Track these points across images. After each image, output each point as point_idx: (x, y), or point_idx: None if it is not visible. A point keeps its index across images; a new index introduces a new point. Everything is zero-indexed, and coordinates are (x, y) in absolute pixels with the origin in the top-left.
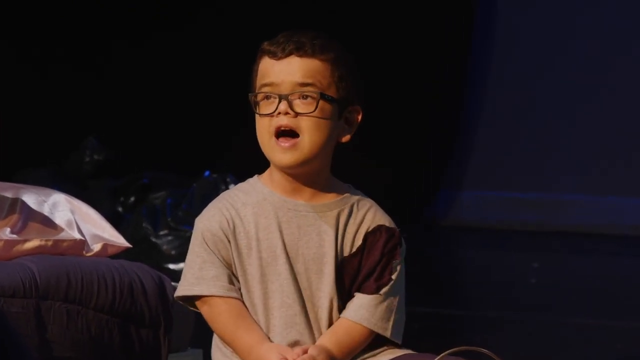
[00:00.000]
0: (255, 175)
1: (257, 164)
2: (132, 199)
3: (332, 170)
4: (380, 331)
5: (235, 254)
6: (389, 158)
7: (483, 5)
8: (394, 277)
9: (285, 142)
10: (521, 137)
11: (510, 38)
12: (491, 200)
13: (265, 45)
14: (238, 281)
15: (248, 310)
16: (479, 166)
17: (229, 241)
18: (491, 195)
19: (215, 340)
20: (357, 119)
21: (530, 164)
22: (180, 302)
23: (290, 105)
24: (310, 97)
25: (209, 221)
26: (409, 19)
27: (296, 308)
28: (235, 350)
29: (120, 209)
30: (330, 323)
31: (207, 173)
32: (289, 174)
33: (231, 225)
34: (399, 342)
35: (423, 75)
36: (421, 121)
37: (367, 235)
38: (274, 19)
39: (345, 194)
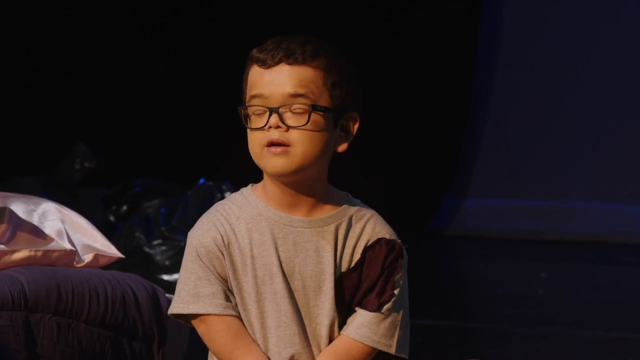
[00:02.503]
0: (250, 185)
1: (253, 171)
2: (124, 207)
3: (332, 179)
4: (384, 348)
5: (230, 271)
6: (391, 165)
7: (489, 10)
8: (396, 292)
9: (276, 149)
10: (529, 142)
11: (517, 44)
12: (497, 208)
13: (255, 52)
14: (234, 297)
15: (245, 328)
16: (485, 173)
17: (223, 257)
18: (497, 203)
19: (211, 358)
20: (354, 126)
21: (538, 171)
22: (174, 318)
23: (281, 119)
24: (302, 108)
25: (203, 236)
26: (415, 21)
27: (294, 327)
28: None
29: (112, 218)
30: (330, 339)
31: (202, 181)
32: (283, 184)
33: (226, 241)
34: (406, 356)
35: (427, 81)
36: (425, 127)
37: (367, 249)
38: (271, 25)
39: (343, 205)
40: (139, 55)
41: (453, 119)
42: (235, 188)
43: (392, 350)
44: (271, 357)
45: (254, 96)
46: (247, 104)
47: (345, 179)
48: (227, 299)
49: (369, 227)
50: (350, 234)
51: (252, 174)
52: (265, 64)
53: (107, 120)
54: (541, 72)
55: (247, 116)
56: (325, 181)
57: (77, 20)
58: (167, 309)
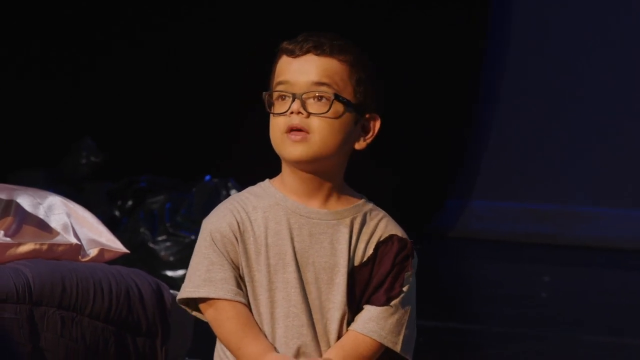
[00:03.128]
0: (267, 179)
1: (258, 168)
2: (130, 202)
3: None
4: (390, 345)
5: (243, 259)
6: (397, 165)
7: (498, 12)
8: (404, 289)
9: (295, 135)
10: (535, 145)
11: (524, 47)
12: (502, 210)
13: (284, 44)
14: (245, 286)
15: (254, 318)
16: (490, 175)
17: (238, 243)
18: (502, 206)
19: (218, 349)
20: (375, 127)
21: (544, 174)
22: (182, 306)
23: (304, 105)
24: (325, 98)
25: (219, 222)
26: (422, 24)
27: (303, 319)
28: (239, 358)
29: (117, 213)
30: (340, 335)
31: (207, 177)
32: (301, 175)
33: (241, 228)
34: (410, 358)
35: (434, 82)
36: (430, 127)
37: (379, 245)
38: (272, 24)
39: (359, 202)
40: (145, 51)
41: (458, 120)
42: (240, 185)
43: (398, 348)
44: (278, 348)
45: (280, 82)
46: (272, 90)
47: (350, 180)
48: (239, 286)
49: (382, 224)
50: (365, 229)
51: (256, 172)
52: (293, 54)
53: (113, 116)
54: (547, 75)
55: (271, 103)
56: (342, 177)
57: (83, 15)
58: (171, 304)
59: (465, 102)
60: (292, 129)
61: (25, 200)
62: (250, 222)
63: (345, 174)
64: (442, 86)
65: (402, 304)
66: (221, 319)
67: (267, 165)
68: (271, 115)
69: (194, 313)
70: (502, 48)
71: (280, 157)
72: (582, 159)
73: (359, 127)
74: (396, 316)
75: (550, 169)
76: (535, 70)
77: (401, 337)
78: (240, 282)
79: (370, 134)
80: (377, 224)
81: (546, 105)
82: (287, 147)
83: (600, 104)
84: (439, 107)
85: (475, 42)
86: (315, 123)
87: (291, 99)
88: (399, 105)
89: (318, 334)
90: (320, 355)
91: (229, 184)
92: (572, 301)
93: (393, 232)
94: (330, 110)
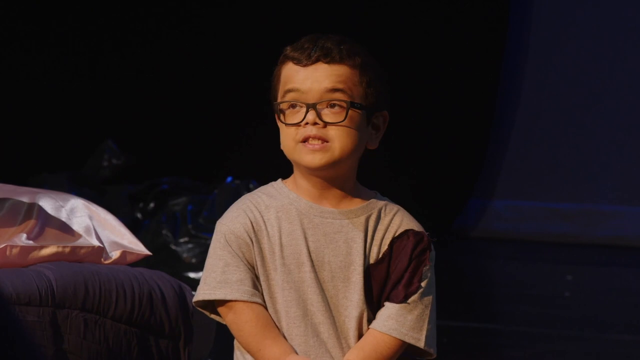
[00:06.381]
0: (279, 179)
1: (279, 169)
2: (151, 205)
3: (359, 179)
4: (412, 341)
5: (258, 258)
6: (418, 165)
7: (517, 10)
8: (423, 284)
9: (314, 144)
10: (556, 145)
11: (545, 45)
12: (524, 210)
13: (289, 51)
14: (261, 286)
15: (272, 319)
16: (512, 174)
17: (252, 244)
18: (525, 205)
19: (237, 351)
20: (384, 124)
21: (565, 173)
22: (198, 309)
23: (319, 115)
24: (339, 105)
25: (233, 223)
26: (442, 21)
27: (320, 317)
28: None
29: (139, 215)
30: (359, 333)
31: (229, 179)
32: (315, 177)
33: (255, 228)
34: (434, 353)
35: (454, 81)
36: (452, 128)
37: (394, 241)
38: (293, 23)
39: (372, 199)
40: (166, 54)
41: (480, 120)
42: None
43: (421, 344)
44: (295, 346)
45: (289, 90)
46: (281, 99)
47: (372, 180)
48: (255, 286)
49: (397, 219)
50: (379, 226)
51: (278, 172)
52: (300, 63)
53: (135, 118)
54: (570, 74)
55: (281, 112)
56: (354, 177)
57: (106, 19)
58: (193, 306)
59: (487, 102)
60: (308, 139)
61: (48, 203)
62: (264, 221)
63: (367, 175)
64: (464, 86)
65: (422, 299)
66: (239, 321)
67: (288, 166)
68: (282, 124)
69: (212, 315)
70: (523, 46)
71: (295, 163)
72: (604, 158)
73: (370, 126)
74: (416, 312)
75: (572, 169)
76: (557, 69)
77: (424, 333)
78: (256, 282)
79: (381, 131)
80: (392, 219)
81: (568, 104)
82: (305, 155)
83: (622, 103)
84: (461, 107)
85: (496, 41)
86: (332, 133)
87: (305, 109)
88: (420, 105)
89: (336, 332)
90: (339, 351)
91: (251, 186)
92: (594, 300)
93: (408, 227)
94: (346, 119)
